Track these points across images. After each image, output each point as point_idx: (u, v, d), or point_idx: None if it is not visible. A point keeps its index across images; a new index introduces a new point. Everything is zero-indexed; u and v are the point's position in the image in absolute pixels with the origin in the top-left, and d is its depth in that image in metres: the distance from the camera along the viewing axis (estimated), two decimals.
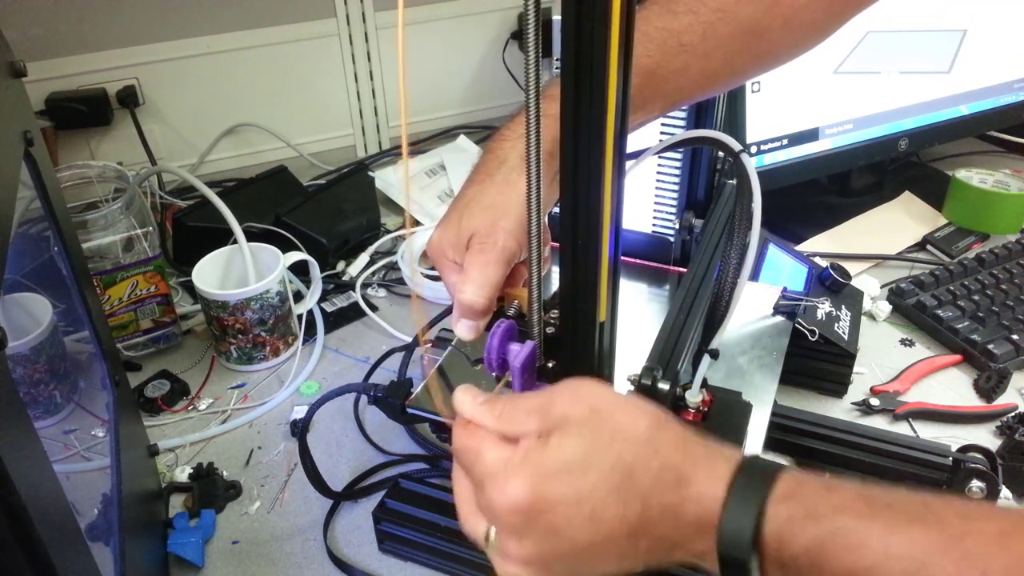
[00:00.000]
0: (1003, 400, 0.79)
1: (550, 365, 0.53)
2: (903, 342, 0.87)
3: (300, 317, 0.91)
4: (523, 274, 0.54)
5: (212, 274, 0.87)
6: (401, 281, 1.01)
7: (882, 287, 0.95)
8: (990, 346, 0.81)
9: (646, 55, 0.53)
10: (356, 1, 1.24)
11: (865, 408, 0.78)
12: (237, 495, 0.72)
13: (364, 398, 0.81)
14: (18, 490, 0.33)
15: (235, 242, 0.87)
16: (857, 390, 0.80)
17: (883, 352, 0.86)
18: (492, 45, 1.37)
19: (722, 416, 0.55)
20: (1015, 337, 0.82)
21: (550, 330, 0.53)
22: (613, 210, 0.43)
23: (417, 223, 1.10)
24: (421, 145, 1.33)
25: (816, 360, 0.78)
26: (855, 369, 0.80)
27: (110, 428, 0.62)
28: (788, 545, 0.34)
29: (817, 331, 0.76)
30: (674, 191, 0.82)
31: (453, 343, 0.66)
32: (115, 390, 0.63)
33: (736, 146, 0.59)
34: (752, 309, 0.76)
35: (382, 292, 1.00)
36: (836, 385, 0.80)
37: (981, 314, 0.86)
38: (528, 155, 0.43)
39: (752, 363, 0.69)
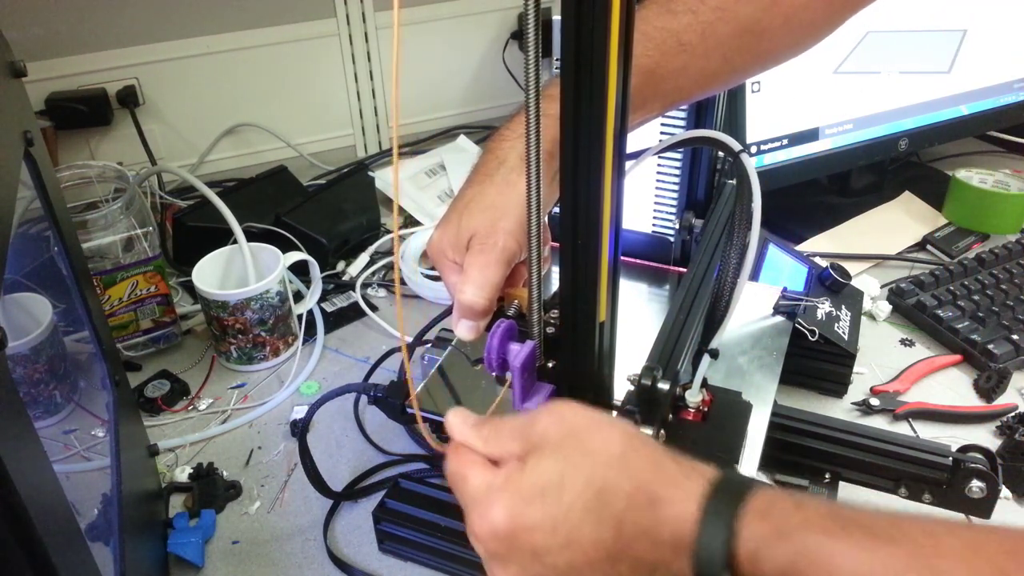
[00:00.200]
0: (1003, 400, 0.79)
1: (550, 365, 0.53)
2: (903, 342, 0.87)
3: (300, 317, 0.91)
4: (523, 274, 0.54)
5: (212, 274, 0.87)
6: (401, 281, 1.01)
7: (882, 287, 0.95)
8: (990, 346, 0.81)
9: (645, 55, 0.53)
10: (356, 1, 1.24)
11: (865, 408, 0.78)
12: (237, 495, 0.72)
13: (364, 398, 0.81)
14: (18, 490, 0.33)
15: (235, 242, 0.87)
16: (857, 390, 0.80)
17: (883, 352, 0.86)
18: (492, 45, 1.37)
19: (722, 416, 0.55)
20: (1015, 337, 0.82)
21: (550, 330, 0.53)
22: (613, 210, 0.43)
23: (416, 223, 1.10)
24: (421, 145, 1.33)
25: (816, 360, 0.78)
26: (855, 369, 0.80)
27: (110, 428, 0.62)
28: (761, 564, 0.34)
29: (817, 331, 0.76)
30: (674, 191, 0.82)
31: (453, 343, 0.66)
32: (115, 390, 0.63)
33: (736, 146, 0.59)
34: (752, 309, 0.76)
35: (382, 292, 1.00)
36: (836, 385, 0.80)
37: (981, 314, 0.86)
38: (528, 155, 0.43)
39: (752, 363, 0.69)
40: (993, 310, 0.86)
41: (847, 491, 0.64)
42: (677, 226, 0.82)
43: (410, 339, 0.78)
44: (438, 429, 0.68)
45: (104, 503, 0.60)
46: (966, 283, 0.90)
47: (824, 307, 0.79)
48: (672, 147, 0.66)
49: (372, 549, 0.67)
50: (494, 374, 0.52)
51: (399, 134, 1.37)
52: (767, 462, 0.60)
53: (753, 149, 0.96)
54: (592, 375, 0.50)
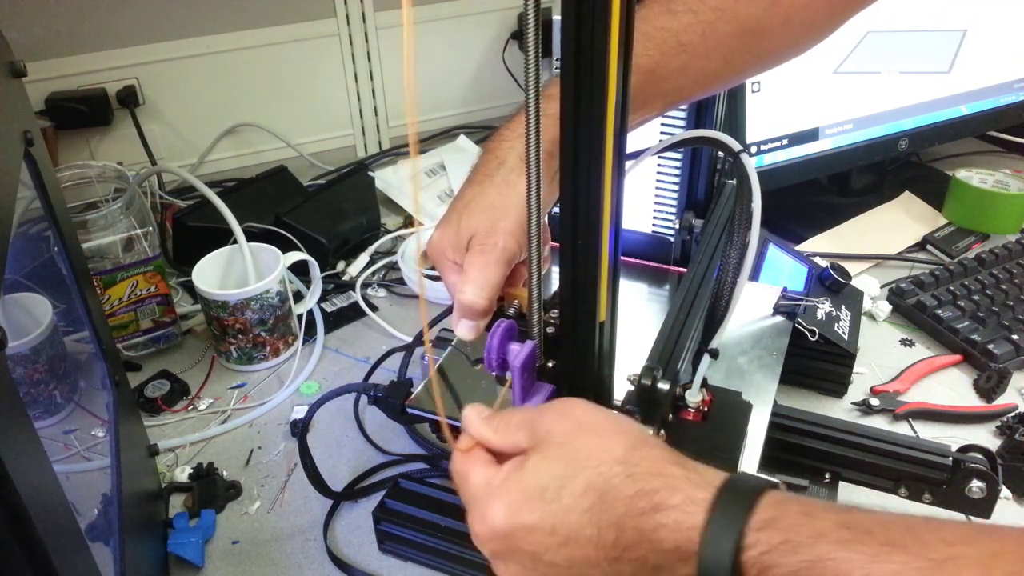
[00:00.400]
0: (1003, 400, 0.79)
1: (550, 365, 0.53)
2: (903, 342, 0.87)
3: (300, 317, 0.91)
4: (523, 274, 0.54)
5: (212, 274, 0.87)
6: (401, 281, 1.01)
7: (882, 287, 0.95)
8: (990, 346, 0.81)
9: (645, 54, 0.53)
10: (356, 1, 1.24)
11: (865, 408, 0.78)
12: (237, 495, 0.72)
13: (364, 398, 0.81)
14: (18, 490, 0.33)
15: (235, 242, 0.87)
16: (857, 390, 0.80)
17: (883, 352, 0.86)
18: (492, 45, 1.37)
19: (722, 416, 0.55)
20: (1015, 337, 0.82)
21: (550, 330, 0.53)
22: (613, 210, 0.43)
23: (418, 223, 1.10)
24: (421, 145, 1.33)
25: (816, 360, 0.78)
26: (855, 369, 0.80)
27: (110, 428, 0.62)
28: (768, 574, 0.33)
29: (817, 331, 0.76)
30: (674, 191, 0.82)
31: (453, 343, 0.66)
32: (115, 390, 0.63)
33: (736, 146, 0.59)
34: (752, 309, 0.76)
35: (382, 292, 1.00)
36: (836, 385, 0.80)
37: (981, 314, 0.86)
38: (528, 155, 0.43)
39: (752, 363, 0.69)
40: (993, 310, 0.86)
41: (847, 491, 0.64)
42: (677, 226, 0.82)
43: (409, 339, 0.78)
44: (439, 429, 0.69)
45: (104, 503, 0.60)
46: (966, 283, 0.90)
47: (824, 307, 0.79)
48: (672, 147, 0.66)
49: (372, 549, 0.67)
50: (494, 374, 0.52)
51: (398, 134, 1.37)
52: (767, 462, 0.60)
53: (753, 149, 0.96)
54: (592, 375, 0.50)
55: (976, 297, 0.88)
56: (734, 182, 0.78)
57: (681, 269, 0.83)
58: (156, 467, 0.74)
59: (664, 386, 0.52)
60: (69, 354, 0.80)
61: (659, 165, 0.82)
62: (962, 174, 1.06)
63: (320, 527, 0.68)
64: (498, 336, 0.50)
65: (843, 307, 0.82)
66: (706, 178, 0.81)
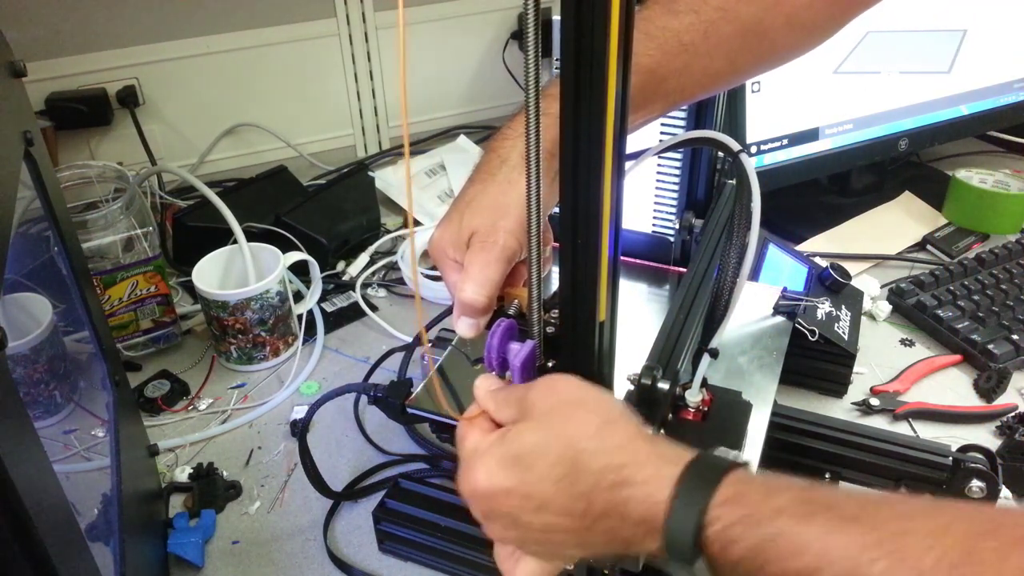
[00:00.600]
0: (1003, 400, 0.79)
1: (550, 364, 0.53)
2: (903, 342, 0.87)
3: (300, 317, 0.90)
4: (523, 273, 0.54)
5: (212, 274, 0.87)
6: (401, 281, 1.01)
7: (882, 287, 0.95)
8: (990, 346, 0.81)
9: (647, 55, 0.53)
10: (356, 1, 1.24)
11: (865, 408, 0.78)
12: (237, 495, 0.72)
13: (364, 398, 0.81)
14: (18, 490, 0.33)
15: (235, 242, 0.87)
16: (857, 390, 0.80)
17: (883, 352, 0.86)
18: (492, 45, 1.37)
19: (722, 416, 0.55)
20: (1015, 337, 0.82)
21: (550, 329, 0.53)
22: (613, 210, 0.43)
23: (416, 223, 1.10)
24: (421, 145, 1.33)
25: (816, 360, 0.78)
26: (855, 369, 0.80)
27: (110, 428, 0.62)
28: (731, 548, 0.34)
29: (817, 331, 0.76)
30: (674, 191, 0.82)
31: (453, 342, 0.66)
32: (115, 390, 0.63)
33: (735, 146, 0.59)
34: (752, 309, 0.76)
35: (382, 292, 1.00)
36: (836, 385, 0.80)
37: (981, 314, 0.86)
38: (528, 155, 0.43)
39: (752, 363, 0.69)
40: (993, 310, 0.86)
41: None
42: (677, 226, 0.82)
43: (409, 339, 0.78)
44: (439, 430, 0.69)
45: (104, 503, 0.60)
46: (966, 283, 0.90)
47: (824, 307, 0.79)
48: (672, 147, 0.66)
49: (372, 549, 0.67)
50: (494, 374, 0.52)
51: (398, 134, 1.37)
52: (767, 462, 0.60)
53: (753, 149, 0.96)
54: (592, 375, 0.50)
55: (976, 297, 0.88)
56: (734, 182, 0.78)
57: (681, 269, 0.83)
58: (156, 467, 0.74)
59: (664, 386, 0.52)
60: (69, 354, 0.80)
61: (659, 165, 0.82)
62: (962, 174, 1.06)
63: (320, 527, 0.68)
64: (498, 335, 0.50)
65: (843, 307, 0.82)
66: (706, 178, 0.81)
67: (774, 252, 0.86)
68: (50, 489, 0.39)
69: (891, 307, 0.91)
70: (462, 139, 1.28)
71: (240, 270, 0.87)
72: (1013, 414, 0.75)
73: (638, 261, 0.85)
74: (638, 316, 0.77)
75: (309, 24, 1.23)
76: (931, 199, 1.10)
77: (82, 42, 1.11)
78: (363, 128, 1.35)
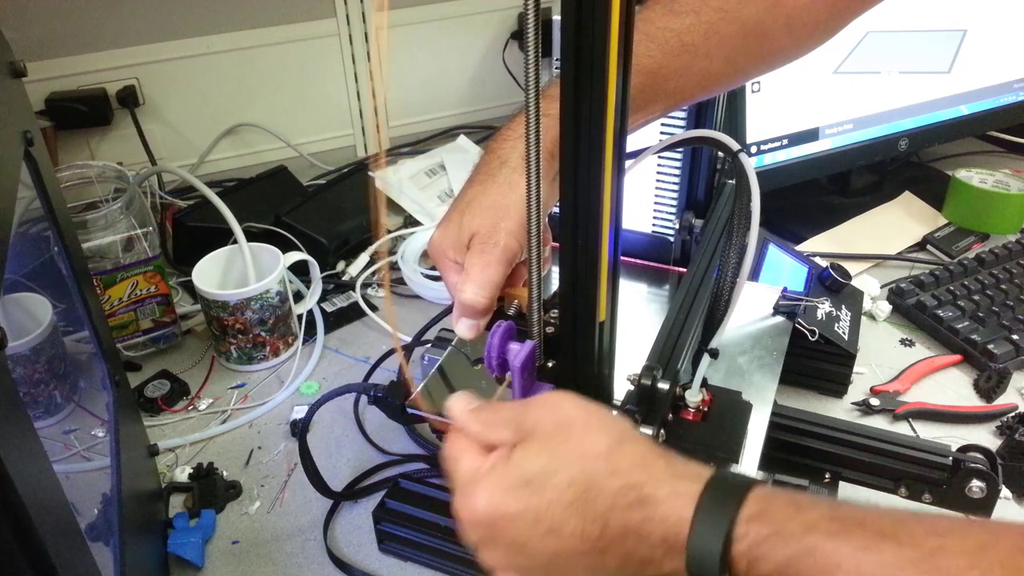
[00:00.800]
0: (1003, 400, 0.79)
1: (550, 365, 0.53)
2: (903, 342, 0.87)
3: (300, 317, 0.91)
4: (523, 274, 0.54)
5: (212, 274, 0.87)
6: (401, 281, 1.01)
7: (882, 287, 0.95)
8: (990, 346, 0.81)
9: (647, 55, 0.53)
10: (356, 1, 1.24)
11: (865, 408, 0.78)
12: (237, 495, 0.72)
13: (364, 398, 0.81)
14: (18, 490, 0.33)
15: (235, 242, 0.87)
16: (857, 390, 0.80)
17: (883, 352, 0.86)
18: (492, 45, 1.37)
19: (722, 416, 0.55)
20: (1015, 337, 0.82)
21: (550, 330, 0.53)
22: (613, 210, 0.43)
23: (416, 223, 1.10)
24: (421, 145, 1.33)
25: (816, 360, 0.78)
26: (855, 369, 0.80)
27: (110, 428, 0.62)
28: (758, 566, 0.33)
29: (817, 331, 0.76)
30: (674, 191, 0.82)
31: (453, 343, 0.66)
32: (115, 390, 0.63)
33: (734, 146, 0.59)
34: (752, 309, 0.76)
35: (382, 292, 1.00)
36: (836, 385, 0.80)
37: (981, 314, 0.86)
38: (528, 155, 0.43)
39: (752, 363, 0.69)
40: (993, 310, 0.86)
41: (847, 491, 0.64)
42: (677, 226, 0.82)
43: (409, 339, 0.78)
44: (439, 430, 0.69)
45: (104, 503, 0.60)
46: (966, 283, 0.90)
47: (824, 307, 0.79)
48: (671, 147, 0.66)
49: (372, 549, 0.67)
50: (494, 374, 0.52)
51: (398, 134, 1.37)
52: (767, 462, 0.60)
53: (753, 149, 0.96)
54: (592, 375, 0.50)
55: (976, 297, 0.88)
56: (734, 182, 0.78)
57: (681, 269, 0.83)
58: (156, 467, 0.74)
59: (664, 386, 0.52)
60: (69, 354, 0.80)
61: (659, 165, 0.82)
62: (962, 174, 1.06)
63: (320, 527, 0.68)
64: (498, 336, 0.50)
65: (843, 307, 0.82)
66: (706, 178, 0.81)
67: (774, 252, 0.86)
68: (50, 489, 0.39)
69: (891, 307, 0.91)
70: (462, 139, 1.28)
71: (240, 270, 0.87)
72: (1013, 414, 0.75)
73: (638, 261, 0.85)
74: (638, 316, 0.77)
75: (309, 24, 1.23)
76: (931, 199, 1.10)
77: (82, 42, 1.11)
78: (363, 128, 1.35)
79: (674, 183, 0.82)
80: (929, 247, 1.03)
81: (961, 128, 1.12)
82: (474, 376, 0.63)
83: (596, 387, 0.50)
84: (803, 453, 0.63)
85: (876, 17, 0.97)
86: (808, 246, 1.02)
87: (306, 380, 0.85)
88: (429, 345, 0.71)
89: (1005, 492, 0.69)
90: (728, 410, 0.55)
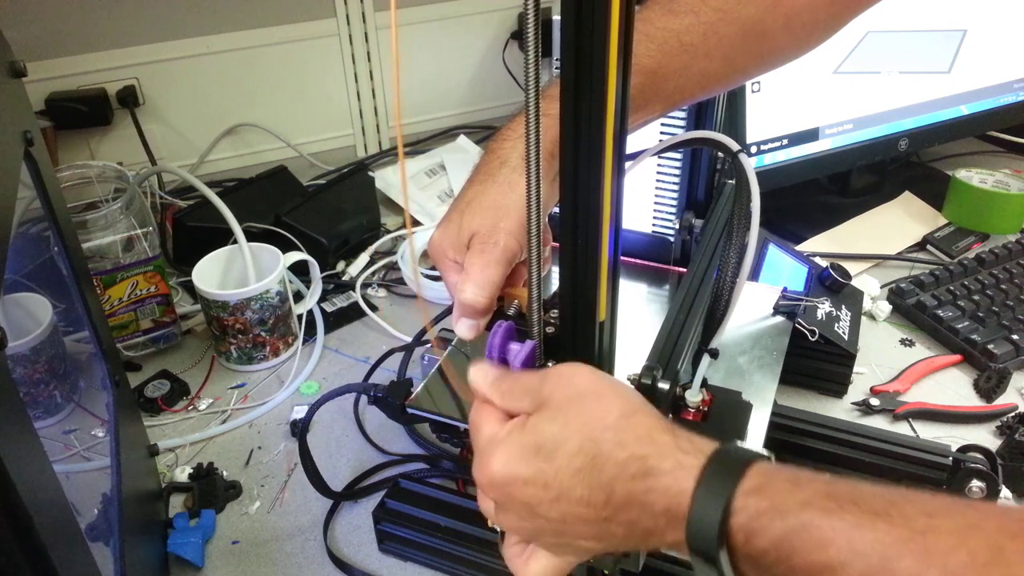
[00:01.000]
0: (1003, 400, 0.79)
1: (550, 365, 0.53)
2: (903, 342, 0.87)
3: (300, 317, 0.91)
4: (523, 274, 0.54)
5: (212, 274, 0.87)
6: (401, 281, 1.01)
7: (882, 287, 0.95)
8: (990, 346, 0.81)
9: (647, 55, 0.53)
10: (356, 1, 1.24)
11: (865, 408, 0.78)
12: (237, 495, 0.72)
13: (364, 398, 0.81)
14: (18, 490, 0.33)
15: (235, 242, 0.87)
16: (857, 390, 0.80)
17: (883, 352, 0.86)
18: (492, 45, 1.37)
19: (722, 416, 0.55)
20: (1015, 337, 0.82)
21: (550, 330, 0.53)
22: (613, 210, 0.43)
23: (416, 223, 1.10)
24: (421, 145, 1.33)
25: (816, 360, 0.78)
26: (855, 369, 0.80)
27: (110, 428, 0.62)
28: (756, 539, 0.34)
29: (817, 331, 0.76)
30: (674, 191, 0.82)
31: (453, 343, 0.66)
32: (115, 390, 0.63)
33: (734, 146, 0.59)
34: (752, 309, 0.76)
35: (382, 292, 1.00)
36: (836, 385, 0.80)
37: (981, 314, 0.86)
38: (528, 155, 0.43)
39: (752, 363, 0.69)
40: (993, 310, 0.86)
41: None
42: (677, 226, 0.82)
43: (409, 339, 0.78)
44: (440, 430, 0.69)
45: (104, 503, 0.60)
46: (966, 283, 0.91)
47: (824, 307, 0.79)
48: (671, 147, 0.66)
49: (372, 549, 0.67)
50: (487, 361, 0.52)
51: (399, 134, 1.37)
52: None
53: (753, 149, 0.96)
54: None
55: (976, 297, 0.88)
56: (734, 182, 0.78)
57: (681, 269, 0.83)
58: (156, 467, 0.74)
59: (664, 386, 0.52)
60: (69, 354, 0.80)
61: (659, 165, 0.82)
62: (962, 174, 1.06)
63: (320, 527, 0.68)
64: (498, 336, 0.50)
65: (843, 307, 0.82)
66: (706, 178, 0.81)
67: (774, 252, 0.86)
68: (50, 489, 0.39)
69: (891, 307, 0.91)
70: (462, 139, 1.28)
71: (240, 270, 0.87)
72: (1013, 414, 0.75)
73: (638, 261, 0.85)
74: (638, 316, 0.77)
75: (309, 24, 1.23)
76: (931, 199, 1.10)
77: (82, 42, 1.11)
78: (363, 128, 1.35)
79: (674, 183, 0.82)
80: (929, 247, 1.03)
81: (961, 128, 1.12)
82: None
83: None
84: (803, 453, 0.63)
85: (876, 17, 0.97)
86: (808, 246, 1.02)
87: (306, 380, 0.85)
88: (429, 345, 0.71)
89: (1005, 492, 0.69)
90: (728, 410, 0.56)
